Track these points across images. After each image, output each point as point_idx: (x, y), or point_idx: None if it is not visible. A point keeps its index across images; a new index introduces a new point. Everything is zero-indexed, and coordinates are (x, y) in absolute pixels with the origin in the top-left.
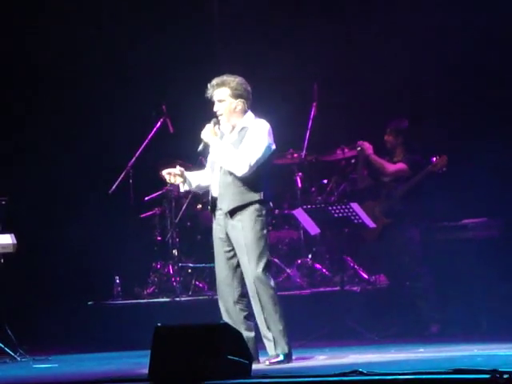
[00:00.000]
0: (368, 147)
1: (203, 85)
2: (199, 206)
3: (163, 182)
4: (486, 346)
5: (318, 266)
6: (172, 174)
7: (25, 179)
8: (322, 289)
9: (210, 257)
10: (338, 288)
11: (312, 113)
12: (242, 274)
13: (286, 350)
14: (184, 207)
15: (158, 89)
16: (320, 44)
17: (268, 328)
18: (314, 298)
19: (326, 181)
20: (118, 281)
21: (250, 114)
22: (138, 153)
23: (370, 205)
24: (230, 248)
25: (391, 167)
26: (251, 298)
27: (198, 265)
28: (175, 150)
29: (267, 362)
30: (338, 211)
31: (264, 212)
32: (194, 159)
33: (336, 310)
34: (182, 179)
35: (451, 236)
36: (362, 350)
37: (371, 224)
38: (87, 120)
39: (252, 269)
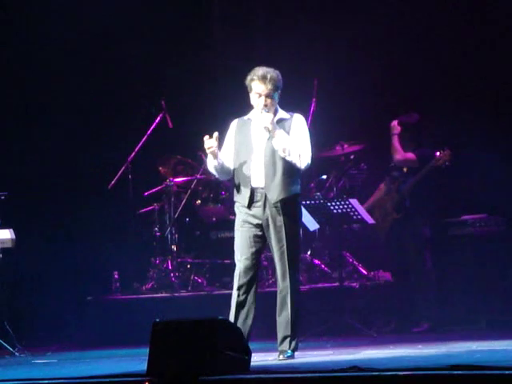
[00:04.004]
0: (397, 128)
1: (202, 80)
2: (198, 202)
3: (162, 177)
4: (485, 342)
5: (316, 261)
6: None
7: (24, 174)
8: (320, 285)
9: (208, 252)
10: (336, 284)
11: (312, 108)
12: (259, 266)
13: (296, 347)
14: (183, 203)
15: (157, 84)
16: (320, 40)
17: (292, 324)
18: (313, 293)
19: (325, 176)
20: (116, 276)
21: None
22: (138, 148)
23: (383, 200)
24: (261, 236)
25: (401, 155)
26: (282, 292)
27: (197, 260)
28: (174, 145)
29: (281, 357)
30: (337, 207)
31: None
32: (193, 155)
33: (335, 305)
34: (217, 149)
35: (450, 232)
36: (360, 346)
37: (370, 220)
38: (86, 116)
39: (288, 263)
